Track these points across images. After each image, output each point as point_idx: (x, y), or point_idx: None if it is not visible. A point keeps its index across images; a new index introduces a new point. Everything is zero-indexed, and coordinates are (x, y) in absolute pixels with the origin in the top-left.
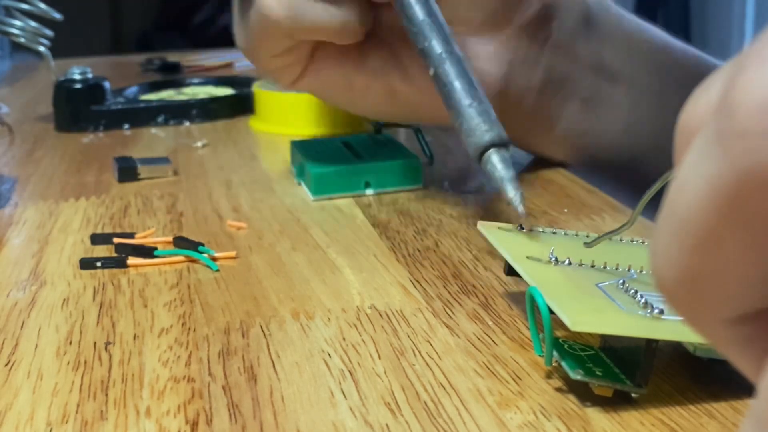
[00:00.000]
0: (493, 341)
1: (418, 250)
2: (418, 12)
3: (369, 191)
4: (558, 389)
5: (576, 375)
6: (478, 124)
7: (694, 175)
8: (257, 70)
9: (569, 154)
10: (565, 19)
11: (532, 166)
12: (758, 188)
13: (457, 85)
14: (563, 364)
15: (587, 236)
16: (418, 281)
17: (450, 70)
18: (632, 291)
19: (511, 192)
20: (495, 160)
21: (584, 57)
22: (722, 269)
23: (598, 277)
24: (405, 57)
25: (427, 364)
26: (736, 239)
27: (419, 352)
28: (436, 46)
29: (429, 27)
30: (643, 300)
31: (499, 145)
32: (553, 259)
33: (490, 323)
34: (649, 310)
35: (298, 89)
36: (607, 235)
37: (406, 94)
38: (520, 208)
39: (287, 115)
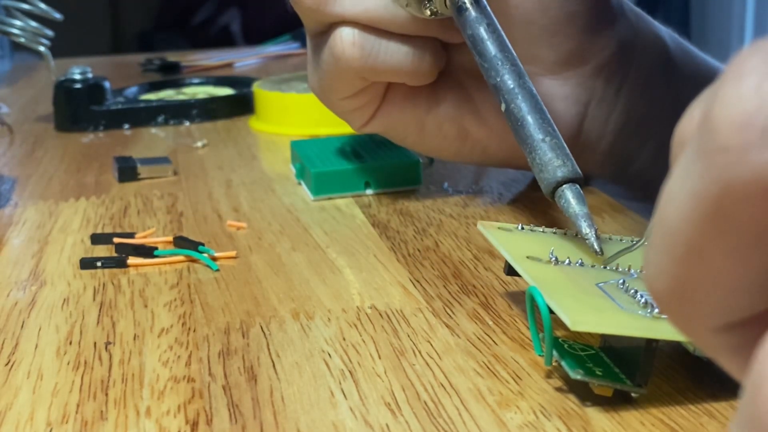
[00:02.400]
0: (493, 341)
1: (418, 250)
2: (490, 47)
3: (369, 191)
4: (558, 389)
5: (576, 375)
6: (551, 159)
7: (679, 189)
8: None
9: (637, 194)
10: (643, 60)
11: None
12: (739, 201)
13: (530, 119)
14: (563, 363)
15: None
16: (418, 281)
17: (522, 105)
18: (632, 291)
19: (586, 229)
20: (569, 195)
21: (663, 100)
22: (708, 279)
23: (598, 276)
24: (478, 98)
25: (428, 364)
26: (720, 250)
27: (419, 352)
28: (508, 81)
29: (501, 62)
30: (643, 300)
31: (572, 180)
32: (554, 258)
33: (490, 323)
34: (649, 310)
35: (369, 131)
36: (623, 253)
37: (477, 135)
38: (596, 245)
39: (287, 115)
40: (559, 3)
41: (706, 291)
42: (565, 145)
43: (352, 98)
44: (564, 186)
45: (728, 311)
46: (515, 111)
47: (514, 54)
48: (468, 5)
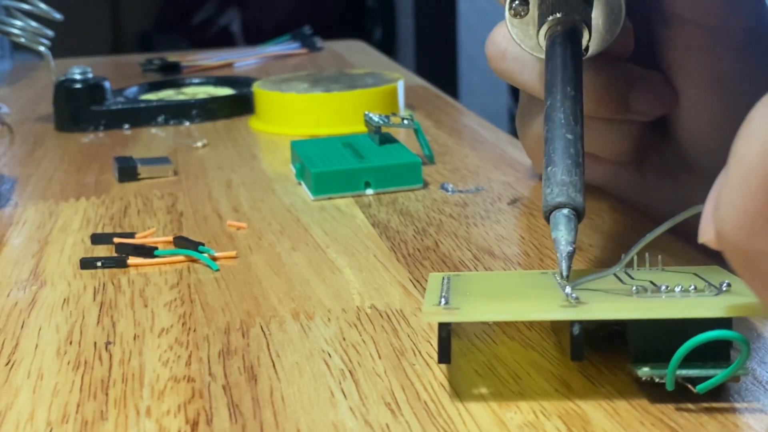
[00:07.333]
0: (493, 341)
1: (418, 250)
2: (556, 71)
3: (369, 191)
4: (558, 389)
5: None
6: (557, 183)
7: (762, 126)
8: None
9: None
10: None
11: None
12: None
13: (558, 146)
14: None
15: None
16: (418, 281)
17: (558, 137)
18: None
19: (558, 254)
20: (555, 220)
21: None
22: None
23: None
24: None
25: (428, 364)
26: None
27: (419, 352)
28: (557, 111)
29: (559, 93)
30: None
31: (568, 206)
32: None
33: (491, 323)
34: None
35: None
36: (594, 278)
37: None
38: (564, 272)
39: (287, 115)
40: None
41: None
42: (579, 179)
43: None
44: (556, 210)
45: None
46: (549, 141)
47: (574, 90)
48: (558, 40)
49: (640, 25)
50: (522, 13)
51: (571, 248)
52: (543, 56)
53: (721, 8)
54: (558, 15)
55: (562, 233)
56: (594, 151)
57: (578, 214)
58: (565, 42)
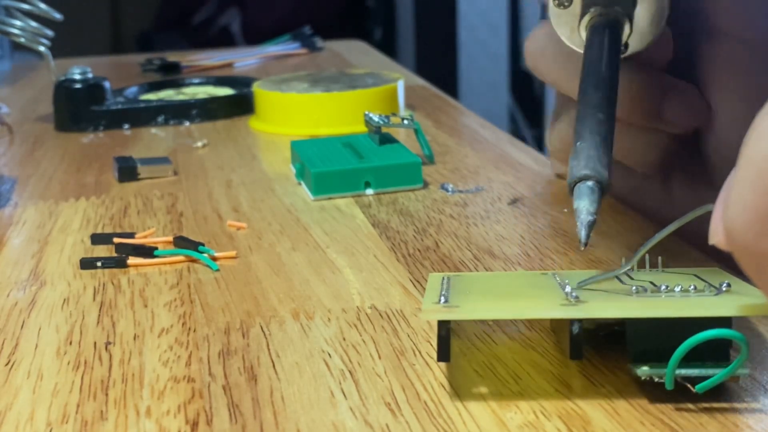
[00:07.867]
0: (493, 341)
1: (418, 250)
2: (593, 56)
3: (369, 191)
4: (558, 389)
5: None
6: (585, 157)
7: None
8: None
9: None
10: None
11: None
12: None
13: (588, 129)
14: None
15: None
16: (418, 281)
17: (590, 116)
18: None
19: (578, 222)
20: (579, 191)
21: None
22: None
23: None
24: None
25: (428, 364)
26: None
27: (419, 352)
28: (591, 94)
29: (596, 79)
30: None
31: (593, 179)
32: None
33: (491, 322)
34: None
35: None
36: (601, 277)
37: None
38: (582, 239)
39: (287, 115)
40: None
41: None
42: (605, 152)
43: None
44: (582, 182)
45: None
46: (580, 116)
47: (612, 79)
48: (598, 29)
49: (677, 38)
50: (565, 3)
51: (591, 218)
52: (582, 50)
53: (761, 23)
54: (600, 6)
55: (584, 203)
56: (621, 159)
57: (602, 188)
58: (605, 31)
